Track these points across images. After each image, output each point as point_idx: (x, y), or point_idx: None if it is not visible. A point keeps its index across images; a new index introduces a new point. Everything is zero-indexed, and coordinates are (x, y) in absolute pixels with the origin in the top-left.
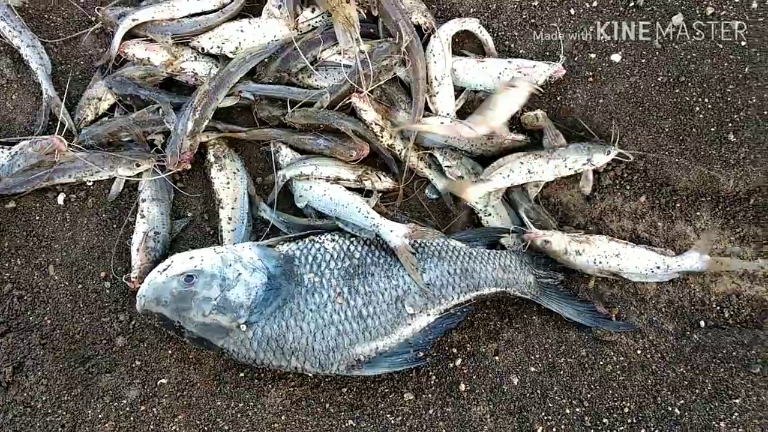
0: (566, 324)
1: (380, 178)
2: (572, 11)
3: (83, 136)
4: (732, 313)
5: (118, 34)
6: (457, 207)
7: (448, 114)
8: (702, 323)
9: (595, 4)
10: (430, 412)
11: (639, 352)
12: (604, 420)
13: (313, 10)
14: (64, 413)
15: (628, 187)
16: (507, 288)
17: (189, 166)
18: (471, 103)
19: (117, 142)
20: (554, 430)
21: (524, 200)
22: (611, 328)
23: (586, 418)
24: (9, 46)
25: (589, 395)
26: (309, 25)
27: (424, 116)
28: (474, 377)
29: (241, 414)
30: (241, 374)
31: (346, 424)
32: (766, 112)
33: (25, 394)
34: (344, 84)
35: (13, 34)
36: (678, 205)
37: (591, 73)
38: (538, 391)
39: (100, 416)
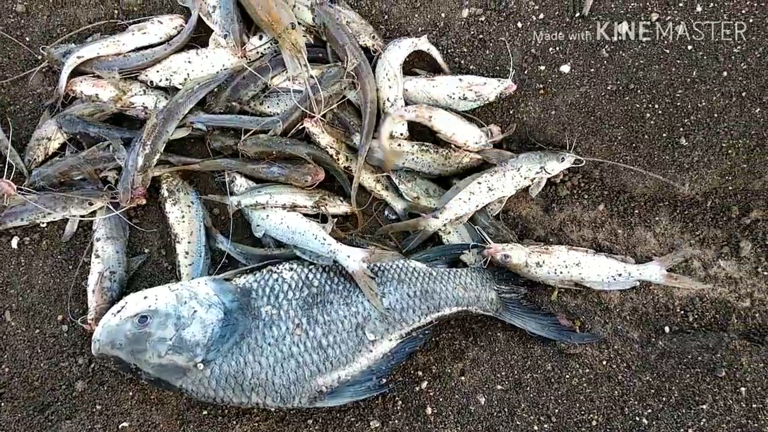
0: (531, 338)
1: (338, 203)
2: (519, 24)
3: (34, 177)
4: (696, 316)
5: (64, 72)
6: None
7: (402, 134)
8: (667, 329)
9: (541, 16)
10: None
11: (605, 362)
12: None
13: (260, 38)
14: None
15: (585, 197)
16: (468, 307)
17: (143, 202)
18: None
19: (69, 182)
20: None
21: (482, 216)
22: (576, 340)
23: None
24: None
25: (556, 410)
26: (257, 52)
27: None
28: (440, 399)
29: None
30: (204, 412)
31: None
32: (716, 115)
33: None
34: (296, 110)
35: None
36: (636, 211)
37: (542, 85)
38: (506, 410)
39: None
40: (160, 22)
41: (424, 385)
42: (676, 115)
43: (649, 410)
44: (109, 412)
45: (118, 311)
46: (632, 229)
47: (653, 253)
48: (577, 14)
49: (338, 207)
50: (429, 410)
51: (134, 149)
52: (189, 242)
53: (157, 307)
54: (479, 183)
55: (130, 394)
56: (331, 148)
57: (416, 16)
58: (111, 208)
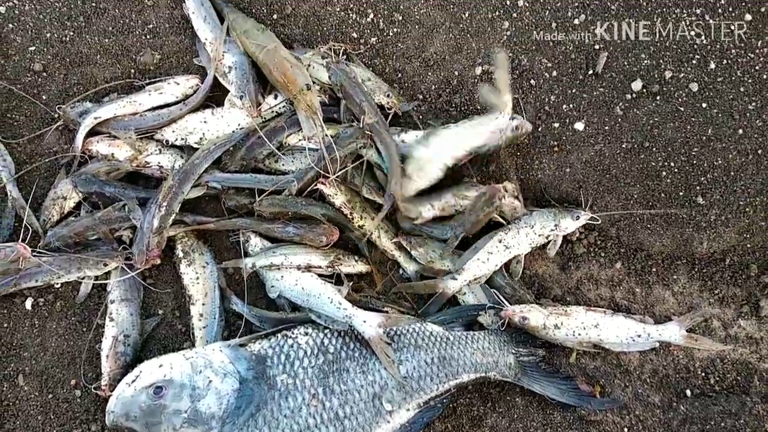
0: (551, 404)
1: (353, 262)
2: (532, 82)
3: (49, 237)
4: (717, 378)
5: (80, 132)
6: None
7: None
8: (688, 392)
9: (554, 74)
10: None
11: (626, 429)
12: None
13: (275, 97)
14: None
15: (602, 255)
16: (487, 372)
17: (158, 262)
18: None
19: (84, 242)
20: None
21: (499, 276)
22: (596, 406)
23: None
24: None
25: None
26: (272, 111)
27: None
28: None
29: None
30: None
31: None
32: (732, 173)
33: None
34: (311, 170)
35: None
36: (654, 269)
37: (556, 143)
38: None
39: None
40: (177, 83)
41: None
42: (692, 173)
43: None
44: None
45: (133, 381)
46: (650, 288)
47: (672, 312)
48: (591, 72)
49: (353, 267)
50: None
51: (150, 211)
52: (203, 304)
53: (172, 377)
54: (499, 241)
55: None
56: (345, 207)
57: (430, 74)
58: (126, 269)
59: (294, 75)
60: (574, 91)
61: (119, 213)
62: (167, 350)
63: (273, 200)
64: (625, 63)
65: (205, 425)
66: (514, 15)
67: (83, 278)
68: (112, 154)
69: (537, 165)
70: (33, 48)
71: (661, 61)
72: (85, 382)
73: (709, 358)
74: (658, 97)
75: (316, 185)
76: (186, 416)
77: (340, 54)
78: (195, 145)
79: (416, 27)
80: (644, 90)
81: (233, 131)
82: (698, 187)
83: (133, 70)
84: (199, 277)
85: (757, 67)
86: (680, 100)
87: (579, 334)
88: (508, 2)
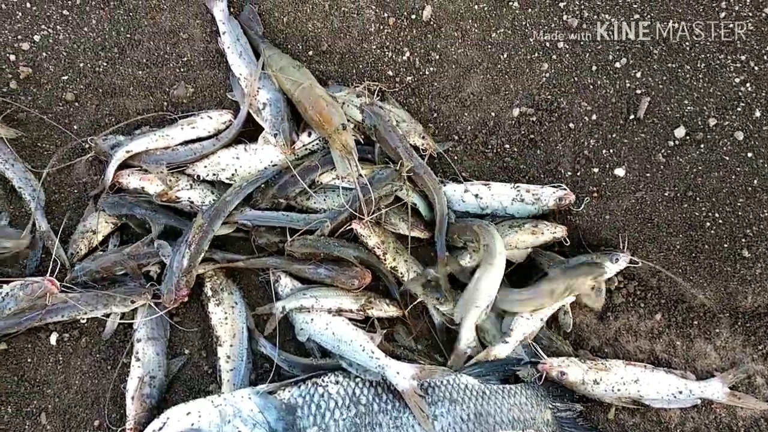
0: None
1: (385, 306)
2: (571, 125)
3: (76, 272)
4: None
5: (111, 165)
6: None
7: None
8: None
9: (594, 117)
10: None
11: None
12: None
13: (309, 134)
14: None
15: (642, 305)
16: (525, 430)
17: (186, 299)
18: None
19: (111, 276)
20: None
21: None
22: None
23: None
24: (2, 177)
25: None
26: (306, 149)
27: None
28: None
29: None
30: None
31: None
32: None
33: None
34: (344, 211)
35: (5, 166)
36: (696, 322)
37: (595, 188)
38: None
39: None
40: (210, 117)
41: None
42: (737, 225)
43: None
44: None
45: (160, 429)
46: (691, 342)
47: (714, 367)
48: (632, 116)
49: (385, 311)
50: None
51: (179, 250)
52: (231, 345)
53: (200, 426)
54: (551, 290)
55: None
56: (378, 248)
57: (466, 114)
58: (154, 307)
59: (329, 114)
60: (614, 136)
61: (148, 248)
62: (193, 392)
63: (305, 240)
64: (668, 109)
65: None
66: (554, 57)
67: (110, 315)
68: (143, 187)
69: (575, 211)
70: (66, 77)
71: (704, 107)
72: (109, 424)
73: (752, 417)
74: (701, 145)
75: (349, 226)
76: None
77: (375, 93)
78: (227, 181)
79: (453, 66)
80: (687, 137)
81: (265, 168)
82: (743, 240)
83: (165, 103)
84: (227, 317)
85: None
86: (725, 148)
87: (618, 390)
88: (547, 44)
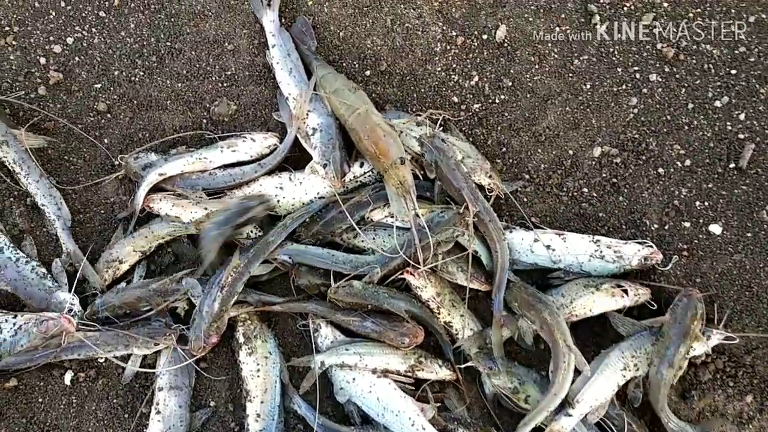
0: None
1: (436, 368)
2: (661, 170)
3: (97, 306)
4: None
5: (142, 188)
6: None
7: None
8: None
9: (688, 163)
10: None
11: None
12: None
13: (362, 166)
14: None
15: (731, 384)
16: None
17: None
18: None
19: (135, 312)
20: None
21: (609, 406)
22: None
23: None
24: (25, 193)
25: None
26: (357, 181)
27: None
28: None
29: None
30: None
31: None
32: None
33: None
34: (397, 257)
35: (28, 180)
36: None
37: (685, 246)
38: None
39: None
40: (253, 140)
41: None
42: None
43: None
44: None
45: None
46: None
47: None
48: (732, 165)
49: (436, 373)
50: None
51: (210, 293)
52: (262, 402)
53: None
54: (615, 360)
55: None
56: (432, 301)
57: (539, 151)
58: (179, 350)
59: (387, 145)
60: (710, 186)
61: (176, 285)
62: None
63: (351, 288)
64: None
65: None
66: (644, 90)
67: (131, 356)
68: (177, 216)
69: (660, 269)
70: (99, 86)
71: None
72: None
73: None
74: None
75: (402, 275)
76: None
77: (438, 123)
78: (268, 211)
79: (528, 95)
80: None
81: (311, 200)
82: None
83: (205, 121)
84: (259, 370)
85: None
86: None
87: None
88: (638, 75)
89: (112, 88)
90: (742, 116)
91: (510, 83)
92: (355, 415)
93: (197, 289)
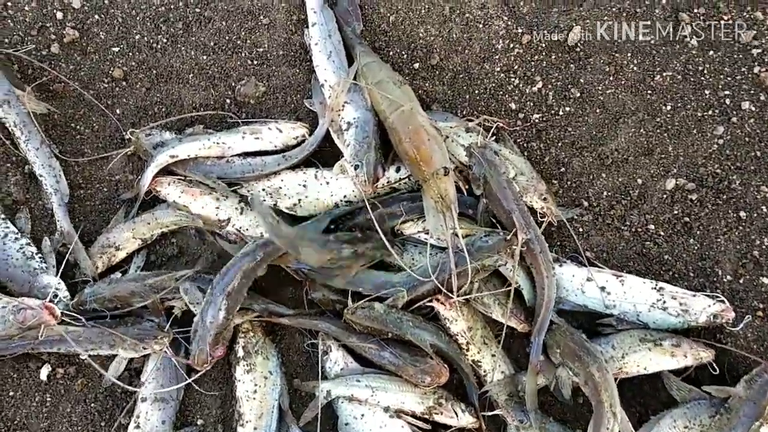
0: None
1: (459, 412)
2: (742, 214)
3: (85, 296)
4: None
5: (150, 169)
6: None
7: None
8: None
9: None
10: None
11: None
12: None
13: (398, 170)
14: None
15: None
16: None
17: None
18: None
19: (126, 306)
20: None
21: None
22: None
23: None
24: (23, 159)
25: None
26: (390, 186)
27: None
28: None
29: None
30: None
31: None
32: None
33: None
34: (428, 282)
35: (28, 146)
36: None
37: (762, 306)
38: None
39: None
40: (279, 129)
41: None
42: None
43: None
44: None
45: None
46: None
47: None
48: None
49: (457, 419)
50: None
51: (214, 301)
52: (255, 428)
53: None
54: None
55: None
56: (462, 336)
57: (603, 175)
58: (170, 355)
59: (430, 151)
60: None
61: (176, 283)
62: None
63: (371, 312)
64: None
65: None
66: (734, 119)
67: (116, 356)
68: (185, 204)
69: (729, 329)
70: (117, 49)
71: None
72: None
73: None
74: None
75: (431, 302)
76: None
77: (491, 132)
78: (286, 210)
79: (597, 110)
80: None
81: (336, 204)
82: None
83: (228, 101)
84: (257, 391)
85: None
86: None
87: None
88: (728, 101)
89: (130, 54)
90: None
91: (578, 94)
92: None
93: (195, 296)
